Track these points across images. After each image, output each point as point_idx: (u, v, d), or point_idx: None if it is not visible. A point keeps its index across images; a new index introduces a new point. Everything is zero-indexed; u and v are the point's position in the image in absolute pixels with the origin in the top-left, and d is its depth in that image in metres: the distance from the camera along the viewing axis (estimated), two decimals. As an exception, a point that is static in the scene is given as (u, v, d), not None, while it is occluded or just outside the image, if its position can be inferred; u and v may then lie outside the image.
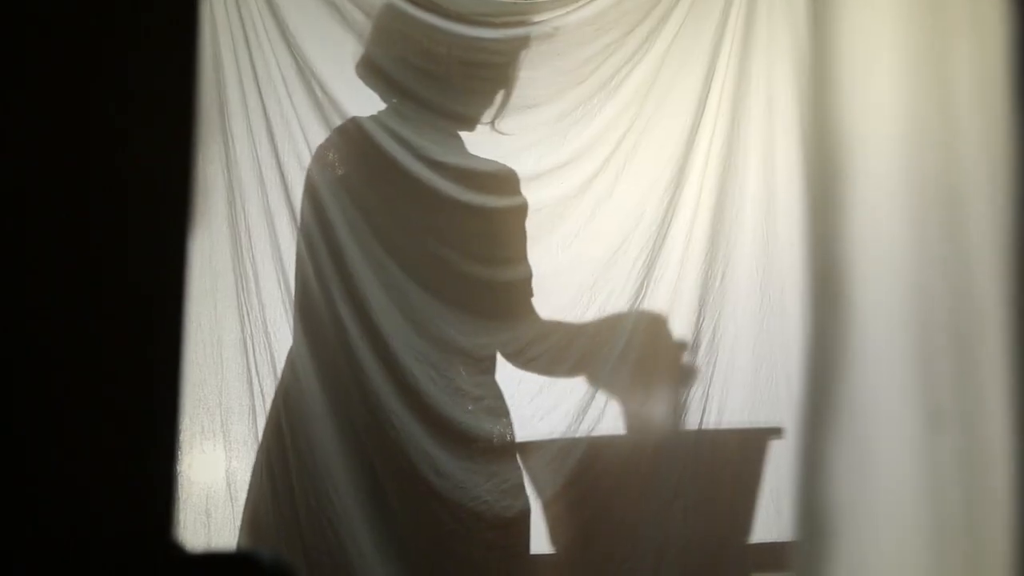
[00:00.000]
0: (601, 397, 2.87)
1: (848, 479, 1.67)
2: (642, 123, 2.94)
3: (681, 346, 2.87)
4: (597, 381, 2.87)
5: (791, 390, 2.74)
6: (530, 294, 2.91)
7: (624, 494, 2.83)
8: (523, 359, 2.90)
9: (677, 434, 2.84)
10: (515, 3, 2.95)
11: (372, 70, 2.89)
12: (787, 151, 2.86)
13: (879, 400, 1.71)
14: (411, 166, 2.85)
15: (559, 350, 2.90)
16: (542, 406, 2.89)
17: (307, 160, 2.88)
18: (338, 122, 2.88)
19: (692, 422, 2.85)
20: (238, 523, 2.78)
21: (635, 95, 2.95)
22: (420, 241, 2.87)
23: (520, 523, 2.81)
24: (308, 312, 2.81)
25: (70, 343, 1.09)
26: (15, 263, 1.09)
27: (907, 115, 1.80)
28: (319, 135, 2.88)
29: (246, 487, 2.79)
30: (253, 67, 2.88)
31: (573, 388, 2.89)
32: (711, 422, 2.85)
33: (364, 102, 2.90)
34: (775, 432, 2.81)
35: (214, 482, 2.81)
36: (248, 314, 2.84)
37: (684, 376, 2.86)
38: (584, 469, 2.84)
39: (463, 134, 2.93)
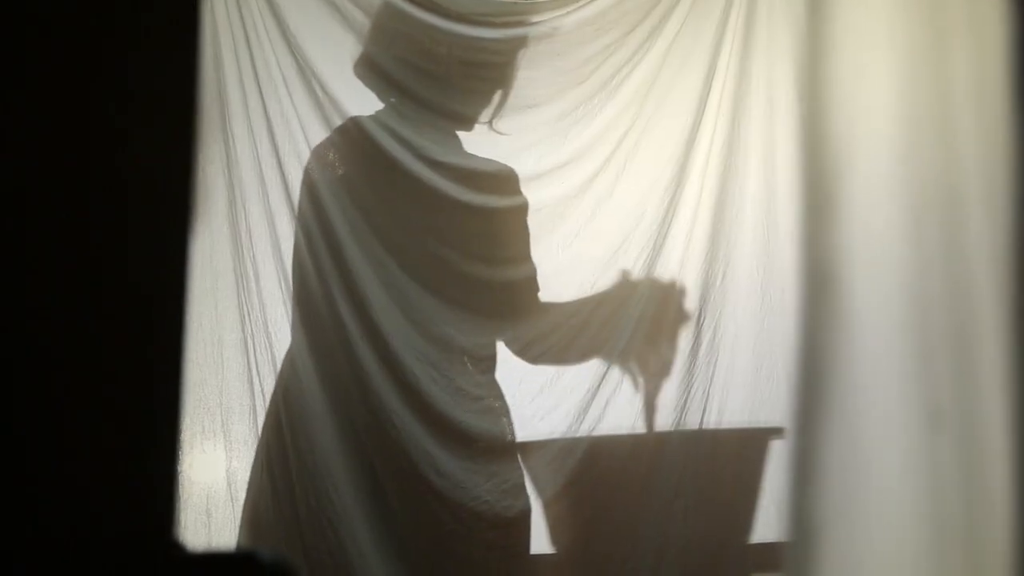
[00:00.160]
0: (602, 397, 2.87)
1: (841, 479, 1.67)
2: (642, 123, 2.94)
3: (685, 315, 2.87)
4: (609, 360, 2.87)
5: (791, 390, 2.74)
6: (535, 290, 2.91)
7: (625, 494, 2.83)
8: (530, 355, 2.91)
9: (678, 434, 2.84)
10: (515, 3, 2.95)
11: (371, 69, 2.89)
12: (787, 151, 2.86)
13: (876, 400, 1.71)
14: (411, 166, 2.86)
15: (566, 343, 2.90)
16: (543, 406, 2.89)
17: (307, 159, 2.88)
18: (338, 122, 2.88)
19: (692, 422, 2.85)
20: (239, 523, 2.78)
21: (635, 95, 2.95)
22: (420, 241, 2.87)
23: (520, 523, 2.81)
24: (308, 311, 2.81)
25: (70, 343, 1.09)
26: (15, 263, 1.09)
27: (906, 115, 1.80)
28: (320, 135, 2.88)
29: (246, 487, 2.79)
30: (254, 67, 2.89)
31: (574, 388, 2.89)
32: (711, 422, 2.85)
33: (364, 102, 2.90)
34: (775, 432, 2.81)
35: (215, 482, 2.81)
36: (249, 314, 2.84)
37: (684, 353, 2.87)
38: (585, 469, 2.84)
39: (461, 134, 2.93)
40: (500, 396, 2.86)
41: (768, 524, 2.80)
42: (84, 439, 1.09)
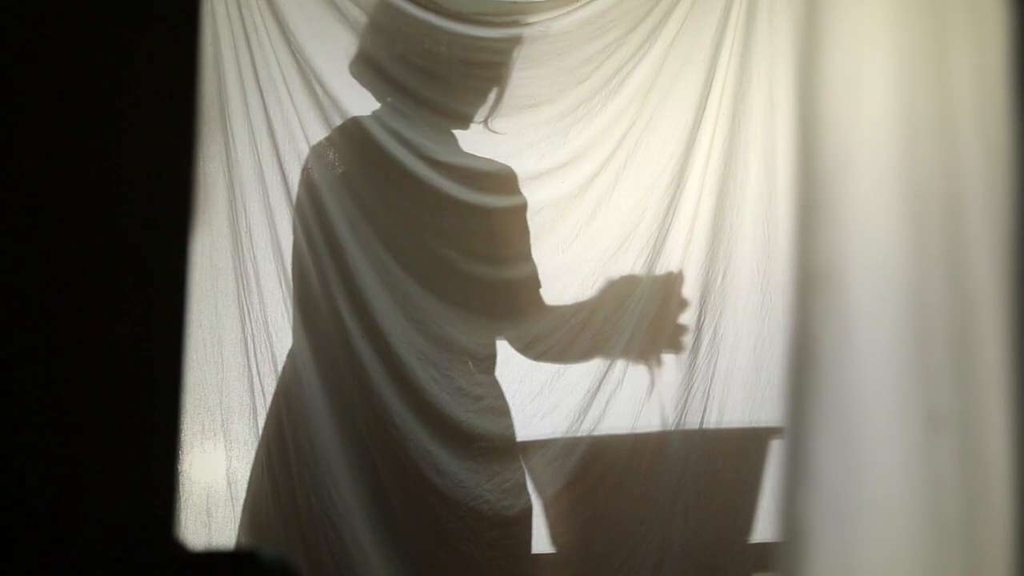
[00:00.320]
0: (603, 396, 2.87)
1: (835, 480, 1.66)
2: (643, 123, 2.94)
3: (685, 307, 2.87)
4: (610, 360, 2.87)
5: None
6: (536, 289, 2.91)
7: (625, 493, 2.83)
8: (532, 354, 2.91)
9: (678, 434, 2.84)
10: (515, 3, 2.95)
11: (368, 68, 2.89)
12: (788, 151, 2.86)
13: (874, 401, 1.70)
14: (412, 165, 2.86)
15: (567, 342, 2.90)
16: (543, 405, 2.89)
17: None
18: (338, 121, 2.88)
19: (693, 422, 2.85)
20: (239, 522, 2.78)
21: (636, 94, 2.95)
22: (421, 240, 2.87)
23: (522, 522, 2.82)
24: (309, 311, 2.81)
25: (70, 343, 1.09)
26: (15, 263, 1.09)
27: (906, 114, 1.80)
28: (319, 134, 2.88)
29: (247, 486, 2.79)
30: (254, 66, 2.89)
31: (575, 387, 2.89)
32: (712, 422, 2.85)
33: (364, 101, 2.90)
34: (776, 432, 2.81)
35: (215, 481, 2.81)
36: (249, 313, 2.84)
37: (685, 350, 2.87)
38: (585, 468, 2.84)
39: (459, 133, 2.93)
40: (501, 396, 2.86)
41: (769, 524, 2.81)
42: (84, 439, 1.09)
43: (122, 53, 1.14)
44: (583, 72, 2.95)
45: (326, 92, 2.89)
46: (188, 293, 1.16)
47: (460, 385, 2.82)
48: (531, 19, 2.94)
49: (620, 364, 2.88)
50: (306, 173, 2.86)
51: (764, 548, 2.80)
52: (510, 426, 2.85)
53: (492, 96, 2.93)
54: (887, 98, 1.80)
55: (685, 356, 2.87)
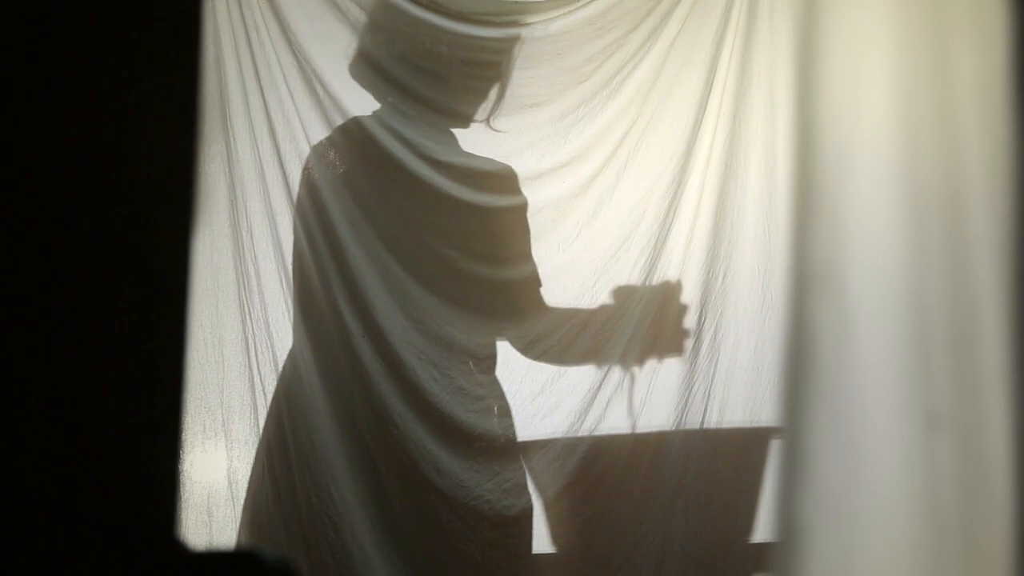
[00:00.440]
0: (603, 396, 2.87)
1: (834, 480, 1.66)
2: (643, 122, 2.94)
3: (686, 312, 2.87)
4: (610, 361, 2.87)
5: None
6: (536, 289, 2.91)
7: (626, 493, 2.83)
8: (532, 353, 2.91)
9: (679, 433, 2.84)
10: (516, 2, 2.95)
11: (369, 68, 2.89)
12: (788, 151, 2.85)
13: (873, 401, 1.70)
14: (412, 165, 2.86)
15: (567, 343, 2.90)
16: (544, 405, 2.89)
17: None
18: (339, 120, 2.89)
19: (693, 422, 2.85)
20: (240, 522, 2.78)
21: (637, 94, 2.95)
22: (421, 239, 2.87)
23: (522, 522, 2.82)
24: (310, 311, 2.81)
25: (71, 343, 1.09)
26: (16, 262, 1.09)
27: (906, 114, 1.79)
28: (320, 134, 2.89)
29: (247, 486, 2.79)
30: (255, 66, 2.89)
31: (575, 387, 2.89)
32: (713, 421, 2.85)
33: (365, 101, 2.90)
34: (776, 431, 2.81)
35: (216, 481, 2.81)
36: (250, 313, 2.84)
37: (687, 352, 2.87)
38: (586, 468, 2.84)
39: (459, 133, 2.93)
40: (501, 395, 2.86)
41: (769, 524, 2.80)
42: (85, 439, 1.09)
43: (123, 53, 1.15)
44: (584, 72, 2.95)
45: (327, 92, 2.89)
46: (189, 293, 1.16)
47: (461, 385, 2.82)
48: (532, 19, 2.94)
49: (620, 365, 2.88)
50: (307, 173, 2.87)
51: (765, 548, 2.80)
52: (511, 426, 2.85)
53: (493, 95, 2.93)
54: (887, 98, 1.79)
55: (686, 357, 2.88)
